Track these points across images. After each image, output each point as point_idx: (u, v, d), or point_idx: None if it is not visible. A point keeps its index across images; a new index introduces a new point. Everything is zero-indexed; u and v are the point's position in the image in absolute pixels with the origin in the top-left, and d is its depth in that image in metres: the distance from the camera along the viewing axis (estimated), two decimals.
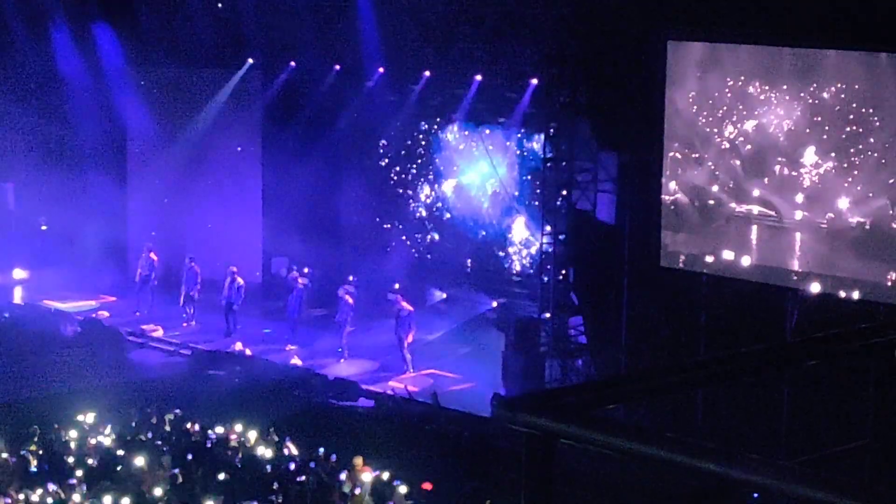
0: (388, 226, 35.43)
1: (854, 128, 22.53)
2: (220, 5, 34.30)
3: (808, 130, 23.12)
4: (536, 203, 29.88)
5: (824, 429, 22.14)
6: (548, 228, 27.21)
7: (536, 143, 30.04)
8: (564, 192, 27.05)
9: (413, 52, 32.15)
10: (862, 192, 22.56)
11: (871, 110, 22.29)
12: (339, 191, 36.36)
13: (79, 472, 20.62)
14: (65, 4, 34.37)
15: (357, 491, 20.35)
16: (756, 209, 24.01)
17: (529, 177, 31.73)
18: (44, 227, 35.75)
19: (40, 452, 21.61)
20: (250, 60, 34.35)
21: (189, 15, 33.96)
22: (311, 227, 35.34)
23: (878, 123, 22.25)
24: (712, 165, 24.43)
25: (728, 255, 24.29)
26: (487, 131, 32.88)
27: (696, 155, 24.54)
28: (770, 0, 23.28)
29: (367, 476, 20.52)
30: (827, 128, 22.89)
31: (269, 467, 21.23)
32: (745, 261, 24.17)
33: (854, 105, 22.43)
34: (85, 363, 29.08)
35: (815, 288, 23.23)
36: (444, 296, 32.99)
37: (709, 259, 24.55)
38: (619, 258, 26.11)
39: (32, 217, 36.16)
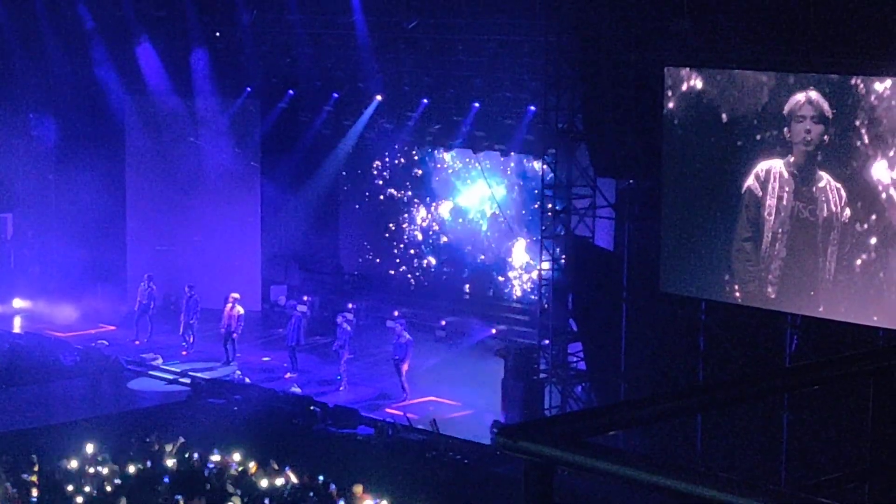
0: (386, 251, 35.45)
1: (858, 156, 22.50)
2: (217, 34, 34.38)
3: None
4: (540, 227, 29.83)
5: (824, 454, 22.10)
6: (547, 255, 27.20)
7: (537, 164, 30.01)
8: (563, 218, 27.07)
9: (411, 79, 32.21)
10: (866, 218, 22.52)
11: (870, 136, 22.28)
12: (336, 218, 36.44)
13: (79, 501, 20.58)
14: (63, 36, 34.43)
15: None
16: None
17: (531, 199, 31.73)
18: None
19: (40, 482, 21.56)
20: (248, 89, 34.40)
21: (187, 44, 34.04)
22: (310, 255, 35.36)
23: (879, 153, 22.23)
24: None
25: (728, 281, 24.23)
26: (487, 163, 32.92)
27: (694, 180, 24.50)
28: (766, 25, 23.31)
29: None
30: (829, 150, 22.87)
31: (268, 496, 21.18)
32: (746, 287, 24.12)
33: (857, 125, 22.41)
34: (84, 392, 29.06)
35: (816, 313, 23.18)
36: (443, 322, 32.96)
37: (707, 285, 24.49)
38: (618, 284, 26.11)
39: (31, 247, 36.19)
